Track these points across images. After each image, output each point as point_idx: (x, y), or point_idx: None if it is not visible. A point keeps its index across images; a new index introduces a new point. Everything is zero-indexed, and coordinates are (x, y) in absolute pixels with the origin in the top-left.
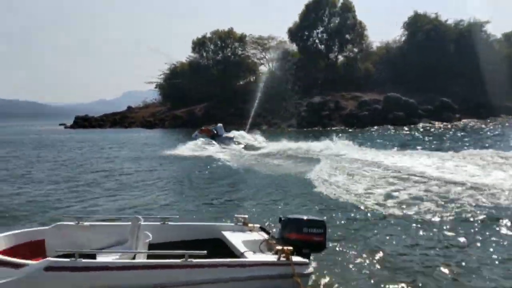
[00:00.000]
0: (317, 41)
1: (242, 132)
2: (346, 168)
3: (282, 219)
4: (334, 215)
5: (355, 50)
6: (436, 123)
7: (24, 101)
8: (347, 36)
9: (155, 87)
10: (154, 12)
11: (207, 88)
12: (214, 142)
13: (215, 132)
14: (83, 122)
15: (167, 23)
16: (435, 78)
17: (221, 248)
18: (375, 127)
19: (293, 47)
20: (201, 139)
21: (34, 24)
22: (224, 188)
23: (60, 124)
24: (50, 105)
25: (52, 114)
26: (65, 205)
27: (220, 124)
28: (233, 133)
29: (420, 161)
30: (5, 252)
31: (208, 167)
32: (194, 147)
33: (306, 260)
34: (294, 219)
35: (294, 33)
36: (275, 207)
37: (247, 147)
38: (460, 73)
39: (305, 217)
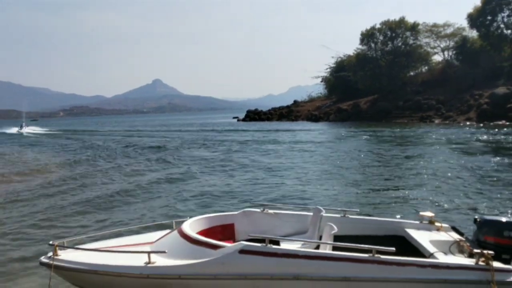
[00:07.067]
0: (502, 25)
1: (32, 127)
2: None
3: (478, 220)
4: None
5: None
6: None
7: (204, 97)
8: None
9: (321, 81)
10: (320, 9)
11: (373, 80)
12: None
13: (22, 126)
14: (254, 115)
15: (335, 19)
16: None
17: (405, 246)
18: None
19: (473, 34)
20: (23, 128)
21: (208, 27)
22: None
23: (234, 117)
24: (227, 100)
25: (227, 108)
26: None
27: (24, 123)
28: (24, 125)
29: None
30: (203, 233)
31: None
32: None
33: (510, 267)
34: (494, 220)
35: (475, 19)
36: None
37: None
38: None
39: (504, 219)
